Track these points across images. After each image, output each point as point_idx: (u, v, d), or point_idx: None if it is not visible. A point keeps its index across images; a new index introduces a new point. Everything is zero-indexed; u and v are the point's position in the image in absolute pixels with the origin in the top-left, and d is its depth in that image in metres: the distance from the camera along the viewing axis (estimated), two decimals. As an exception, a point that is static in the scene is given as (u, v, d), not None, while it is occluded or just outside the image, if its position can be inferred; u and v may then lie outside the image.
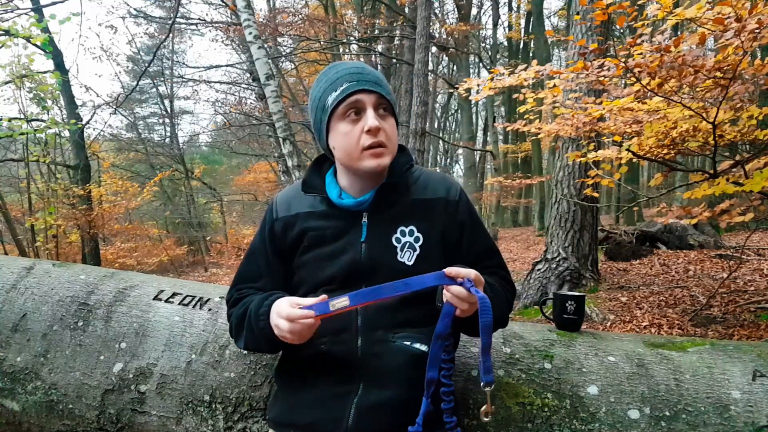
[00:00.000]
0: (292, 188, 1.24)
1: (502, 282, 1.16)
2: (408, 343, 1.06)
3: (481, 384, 0.97)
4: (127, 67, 19.25)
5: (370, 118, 1.04)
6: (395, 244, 1.10)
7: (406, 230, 1.11)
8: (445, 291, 0.98)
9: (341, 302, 0.97)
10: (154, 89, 18.74)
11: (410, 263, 1.09)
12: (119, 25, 42.41)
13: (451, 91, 15.11)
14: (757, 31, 2.09)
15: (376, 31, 12.90)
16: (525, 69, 3.43)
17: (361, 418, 1.01)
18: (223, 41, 13.38)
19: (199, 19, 13.77)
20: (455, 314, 0.98)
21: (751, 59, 2.63)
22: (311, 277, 1.12)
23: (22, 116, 7.55)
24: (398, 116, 1.17)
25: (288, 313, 0.99)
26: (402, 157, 1.18)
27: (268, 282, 1.17)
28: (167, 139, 19.35)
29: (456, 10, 15.95)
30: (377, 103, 1.06)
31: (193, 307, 1.54)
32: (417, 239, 1.11)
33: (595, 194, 4.65)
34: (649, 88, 2.54)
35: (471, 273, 0.97)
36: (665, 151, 3.12)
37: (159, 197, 18.28)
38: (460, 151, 22.37)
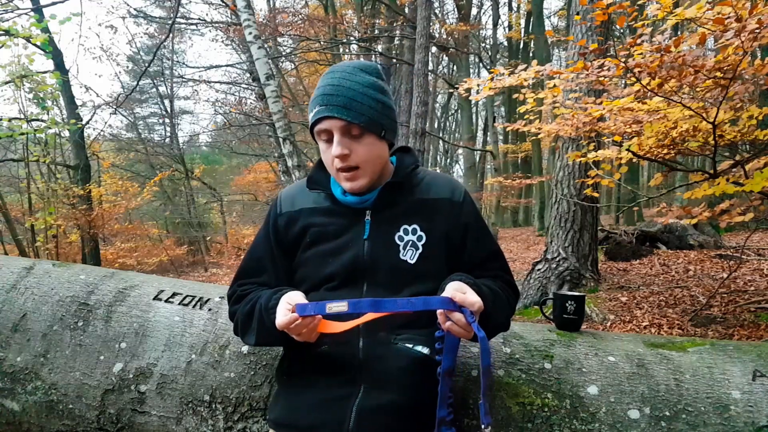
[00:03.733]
0: (297, 185, 1.25)
1: (504, 286, 1.15)
2: (410, 345, 1.05)
3: (482, 426, 0.95)
4: (127, 67, 19.27)
5: (335, 147, 1.05)
6: (398, 242, 1.10)
7: (409, 229, 1.11)
8: (444, 316, 0.95)
9: (339, 306, 0.94)
10: (154, 89, 18.75)
11: (412, 261, 1.09)
12: (119, 25, 42.41)
13: (451, 91, 15.11)
14: (757, 31, 2.09)
15: (376, 31, 12.90)
16: (525, 69, 3.44)
17: (362, 421, 1.00)
18: (223, 41, 13.41)
19: (199, 19, 13.77)
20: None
21: (751, 59, 2.63)
22: (313, 274, 1.12)
23: (22, 116, 7.55)
24: (391, 120, 1.11)
25: (279, 322, 1.00)
26: (407, 157, 1.19)
27: (271, 277, 1.17)
28: (167, 139, 19.36)
29: (456, 10, 15.94)
30: (344, 129, 1.05)
31: (193, 307, 1.54)
32: (420, 238, 1.11)
33: (595, 194, 4.65)
34: (649, 88, 2.55)
35: (475, 304, 0.95)
36: (665, 151, 3.12)
37: (159, 197, 18.27)
38: (460, 151, 22.37)
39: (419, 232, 1.11)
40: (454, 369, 0.97)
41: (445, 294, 0.96)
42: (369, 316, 0.98)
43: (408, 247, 1.10)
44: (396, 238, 1.10)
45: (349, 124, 1.04)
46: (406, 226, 1.11)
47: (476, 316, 0.96)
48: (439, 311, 0.95)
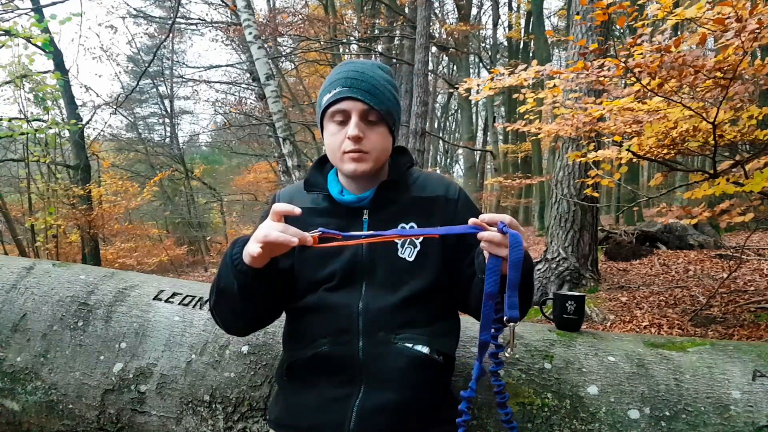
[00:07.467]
0: (294, 186, 1.25)
1: None
2: (410, 345, 1.05)
3: (505, 318, 0.90)
4: (127, 67, 19.28)
5: (352, 127, 1.05)
6: (396, 240, 1.10)
7: (407, 227, 1.11)
8: (481, 243, 0.92)
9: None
10: (154, 89, 18.77)
11: (411, 259, 1.10)
12: (119, 25, 42.51)
13: (451, 91, 15.12)
14: (758, 31, 2.09)
15: (376, 31, 12.91)
16: (525, 69, 3.44)
17: (362, 421, 1.00)
18: (223, 41, 13.41)
19: (199, 19, 13.77)
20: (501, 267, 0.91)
21: (751, 59, 2.63)
22: (311, 274, 1.12)
23: (22, 116, 7.55)
24: (399, 119, 1.15)
25: (262, 234, 0.96)
26: (402, 157, 1.20)
27: None
28: (167, 139, 19.36)
29: (456, 10, 15.94)
30: (364, 112, 1.06)
31: (193, 307, 1.54)
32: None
33: (595, 194, 4.65)
34: (649, 88, 2.55)
35: (506, 218, 0.91)
36: (665, 151, 3.12)
37: (159, 197, 18.27)
38: (460, 151, 22.39)
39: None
40: (495, 292, 0.91)
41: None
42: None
43: (406, 245, 1.11)
44: None
45: (370, 108, 1.06)
46: (403, 225, 1.12)
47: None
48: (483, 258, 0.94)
